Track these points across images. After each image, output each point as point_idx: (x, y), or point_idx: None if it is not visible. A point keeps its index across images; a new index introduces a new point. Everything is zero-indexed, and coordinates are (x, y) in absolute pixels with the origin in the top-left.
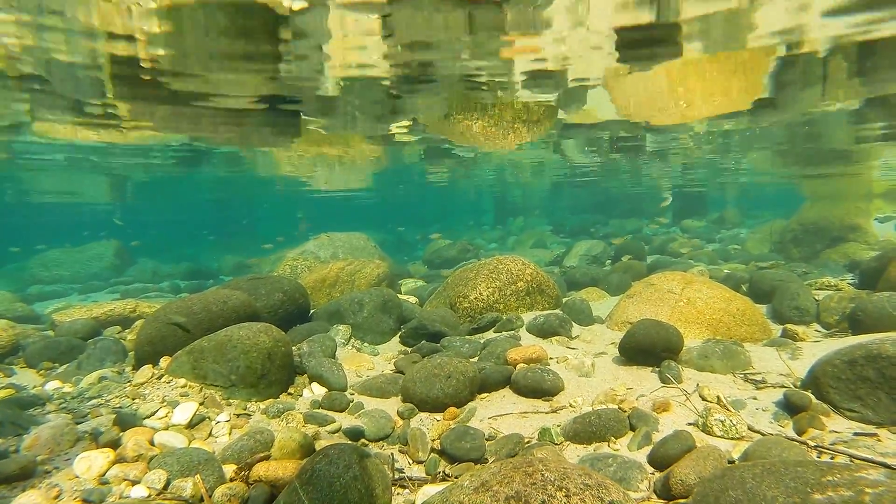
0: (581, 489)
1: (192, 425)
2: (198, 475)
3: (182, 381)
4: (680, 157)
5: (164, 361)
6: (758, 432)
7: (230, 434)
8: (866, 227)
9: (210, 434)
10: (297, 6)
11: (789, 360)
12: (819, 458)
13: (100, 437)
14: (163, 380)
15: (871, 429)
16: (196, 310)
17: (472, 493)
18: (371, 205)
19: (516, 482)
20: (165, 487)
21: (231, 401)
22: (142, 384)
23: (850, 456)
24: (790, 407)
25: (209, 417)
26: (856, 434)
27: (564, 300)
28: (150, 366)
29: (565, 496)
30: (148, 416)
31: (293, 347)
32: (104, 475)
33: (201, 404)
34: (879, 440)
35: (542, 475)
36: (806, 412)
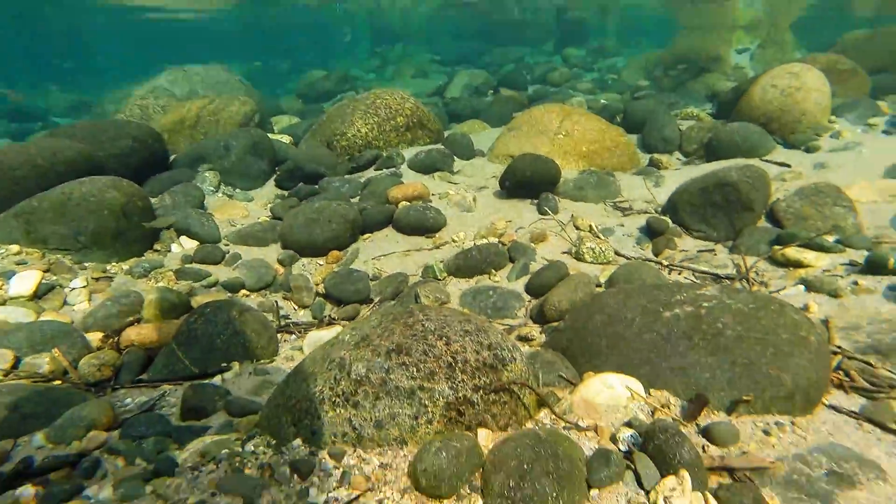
0: (461, 335)
1: (38, 296)
2: (55, 349)
3: (14, 247)
4: None
5: None
6: (623, 256)
7: (89, 300)
8: (726, 57)
9: (64, 303)
10: None
11: (653, 188)
12: (670, 274)
13: None
14: None
15: (710, 245)
16: (15, 165)
17: (353, 348)
18: (229, 31)
19: (396, 334)
20: (14, 367)
21: (86, 264)
22: None
23: (692, 270)
24: (651, 231)
25: (60, 285)
26: (699, 251)
27: (446, 134)
28: None
29: (445, 344)
30: None
31: (153, 200)
32: None
33: (46, 271)
34: (715, 254)
35: (423, 325)
36: (663, 235)
